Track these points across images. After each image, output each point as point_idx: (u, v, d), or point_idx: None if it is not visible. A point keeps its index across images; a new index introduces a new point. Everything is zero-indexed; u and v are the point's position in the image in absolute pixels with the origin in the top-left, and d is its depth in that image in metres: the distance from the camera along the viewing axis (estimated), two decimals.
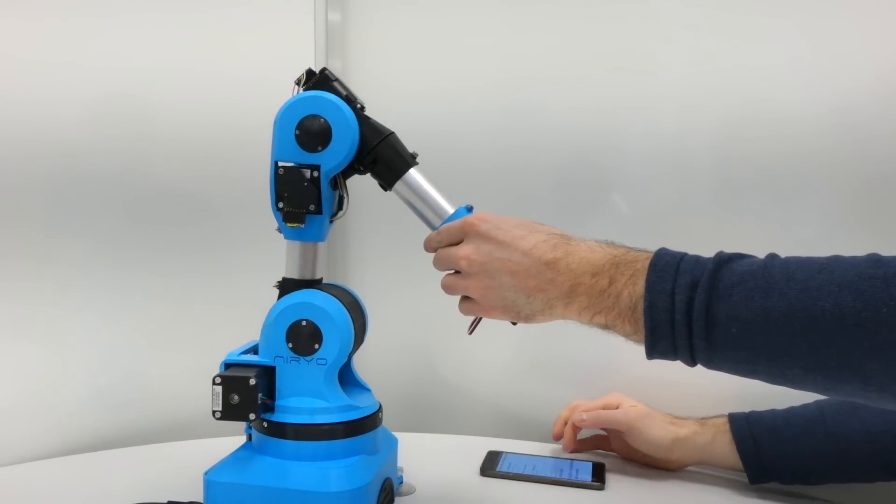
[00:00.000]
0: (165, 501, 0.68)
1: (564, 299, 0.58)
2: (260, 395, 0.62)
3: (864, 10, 0.84)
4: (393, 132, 0.67)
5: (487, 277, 0.61)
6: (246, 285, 0.80)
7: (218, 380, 0.62)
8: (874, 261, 0.48)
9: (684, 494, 0.78)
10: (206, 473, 0.62)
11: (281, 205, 0.64)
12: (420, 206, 0.66)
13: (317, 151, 0.64)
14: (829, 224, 0.86)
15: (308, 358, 0.64)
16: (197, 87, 0.95)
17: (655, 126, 0.94)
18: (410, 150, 0.67)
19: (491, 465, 0.82)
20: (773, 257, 0.53)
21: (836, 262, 0.50)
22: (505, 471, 0.81)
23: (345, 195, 0.68)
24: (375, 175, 0.67)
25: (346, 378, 0.72)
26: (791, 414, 0.78)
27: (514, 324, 0.64)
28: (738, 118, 0.89)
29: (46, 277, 0.87)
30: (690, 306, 0.52)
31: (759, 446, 0.76)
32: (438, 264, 0.66)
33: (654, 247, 0.58)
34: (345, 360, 0.66)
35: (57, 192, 0.88)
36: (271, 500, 0.60)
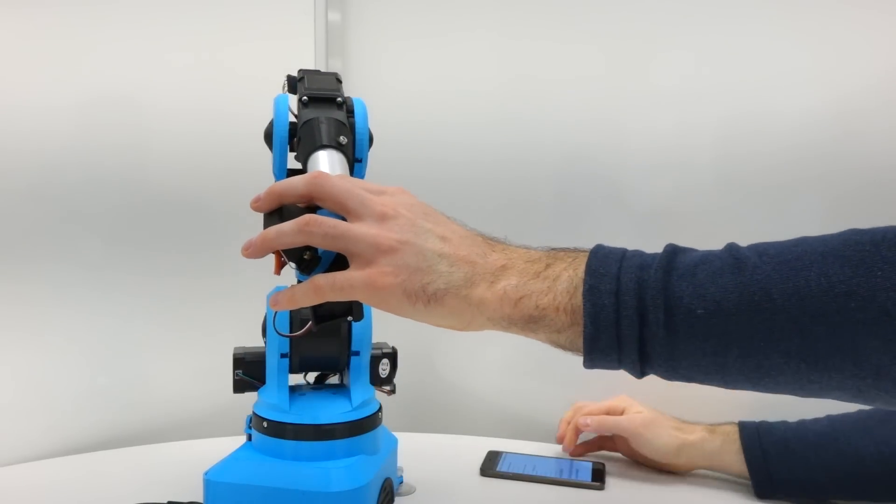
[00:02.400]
0: (165, 502, 0.68)
1: (490, 278, 0.48)
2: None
3: (862, 11, 0.84)
4: (328, 118, 0.61)
5: (412, 232, 0.48)
6: (246, 286, 0.80)
7: None
8: (853, 230, 0.42)
9: (685, 496, 0.78)
10: (206, 473, 0.62)
11: None
12: None
13: (271, 150, 0.65)
14: (829, 225, 0.86)
15: None
16: (196, 88, 0.95)
17: (655, 128, 0.94)
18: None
19: (491, 465, 0.82)
20: (732, 244, 0.46)
21: (809, 238, 0.43)
22: (505, 471, 0.81)
23: None
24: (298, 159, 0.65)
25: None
26: (802, 428, 0.76)
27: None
28: (738, 120, 0.89)
29: (46, 278, 0.87)
30: (643, 287, 0.44)
31: (767, 459, 0.74)
32: (335, 197, 0.50)
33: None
34: None
35: (56, 194, 0.88)
36: (271, 500, 0.60)
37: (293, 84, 0.67)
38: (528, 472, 0.81)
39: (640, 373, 0.46)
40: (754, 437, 0.76)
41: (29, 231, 0.86)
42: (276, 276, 0.68)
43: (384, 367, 0.71)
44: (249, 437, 0.68)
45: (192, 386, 0.96)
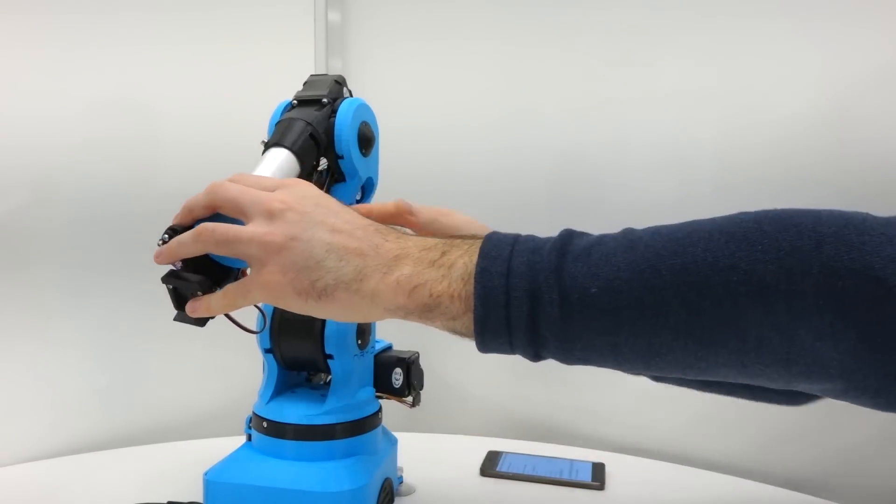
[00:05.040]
0: (165, 502, 0.68)
1: (383, 269, 0.47)
2: None
3: (862, 10, 0.84)
4: (290, 118, 0.62)
5: (300, 226, 0.48)
6: None
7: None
8: (742, 212, 0.44)
9: (685, 495, 0.78)
10: (206, 473, 0.62)
11: None
12: None
13: None
14: None
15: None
16: (196, 89, 0.95)
17: (654, 127, 0.94)
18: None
19: (491, 465, 0.82)
20: (629, 228, 0.46)
21: (702, 219, 0.45)
22: (505, 471, 0.81)
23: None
24: None
25: None
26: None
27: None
28: (736, 120, 0.89)
29: (47, 278, 0.87)
30: (535, 269, 0.44)
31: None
32: (229, 202, 0.50)
33: None
34: None
35: (62, 197, 0.88)
36: (271, 500, 0.60)
37: None
38: (528, 472, 0.81)
39: (535, 355, 0.46)
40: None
41: (34, 233, 0.86)
42: None
43: (397, 377, 0.69)
44: (249, 437, 0.68)
45: (192, 386, 0.96)
